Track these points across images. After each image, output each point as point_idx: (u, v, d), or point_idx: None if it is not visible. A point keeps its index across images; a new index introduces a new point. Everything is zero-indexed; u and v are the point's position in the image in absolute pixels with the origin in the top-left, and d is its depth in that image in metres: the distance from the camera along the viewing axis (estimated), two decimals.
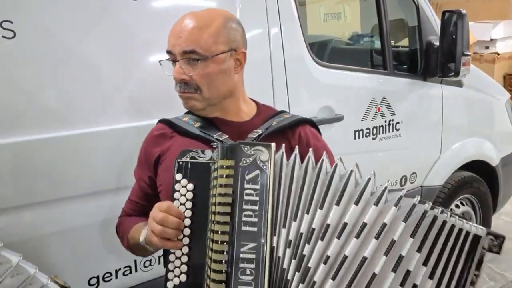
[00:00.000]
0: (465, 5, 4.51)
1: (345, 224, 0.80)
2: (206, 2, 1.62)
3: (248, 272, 0.80)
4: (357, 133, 2.05)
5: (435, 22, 2.31)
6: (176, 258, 0.87)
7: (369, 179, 0.82)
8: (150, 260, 1.57)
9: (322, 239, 0.80)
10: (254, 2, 1.69)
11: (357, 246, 0.79)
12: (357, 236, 0.79)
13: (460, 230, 0.79)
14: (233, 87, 1.07)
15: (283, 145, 0.88)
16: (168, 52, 1.03)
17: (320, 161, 0.85)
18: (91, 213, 1.43)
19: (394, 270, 0.77)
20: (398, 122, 2.19)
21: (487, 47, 5.29)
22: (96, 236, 1.46)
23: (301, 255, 0.81)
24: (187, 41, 0.98)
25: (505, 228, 3.33)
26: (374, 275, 0.78)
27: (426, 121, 2.35)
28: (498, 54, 5.26)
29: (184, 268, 0.87)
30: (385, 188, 0.81)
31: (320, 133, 1.14)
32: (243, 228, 0.81)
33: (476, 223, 2.72)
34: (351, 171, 0.83)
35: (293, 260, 0.81)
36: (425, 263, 0.78)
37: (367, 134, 2.09)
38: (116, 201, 1.44)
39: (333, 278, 0.79)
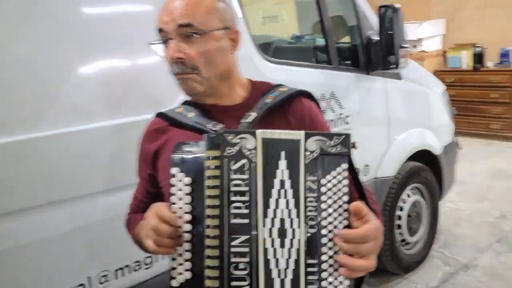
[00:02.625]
0: None
1: (279, 191, 0.81)
2: (142, 6, 1.54)
3: (241, 266, 0.77)
4: None
5: (372, 17, 2.38)
6: (179, 255, 0.82)
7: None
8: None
9: (275, 216, 0.79)
10: None
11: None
12: (280, 196, 0.80)
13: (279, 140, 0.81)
14: (231, 67, 1.03)
15: (269, 130, 0.83)
16: (159, 30, 0.97)
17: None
18: (66, 221, 1.35)
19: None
20: (347, 116, 2.21)
21: (415, 46, 5.58)
22: (75, 243, 1.38)
23: (271, 240, 0.79)
24: (182, 15, 0.94)
25: (450, 214, 3.48)
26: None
27: (373, 113, 2.40)
28: (426, 52, 5.57)
29: (188, 265, 0.81)
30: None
31: (318, 105, 1.09)
32: (233, 221, 0.78)
33: (427, 210, 2.82)
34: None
35: (270, 248, 0.79)
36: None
37: None
38: (93, 207, 1.40)
39: (281, 245, 0.79)
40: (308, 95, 1.07)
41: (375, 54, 2.31)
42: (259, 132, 0.80)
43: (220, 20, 0.98)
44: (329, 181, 0.79)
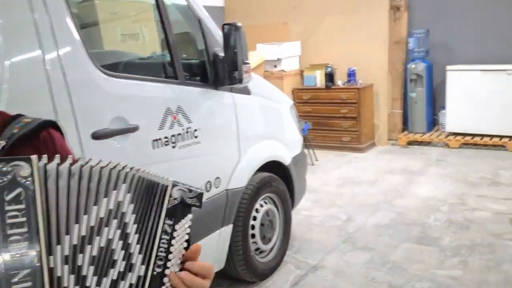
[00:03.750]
0: (252, 29, 5.01)
1: (102, 219, 0.80)
2: None
3: None
4: (155, 142, 2.03)
5: (218, 34, 2.48)
6: None
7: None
8: None
9: (89, 243, 0.78)
10: (19, 27, 1.59)
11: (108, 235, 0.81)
12: (106, 225, 0.80)
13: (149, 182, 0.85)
14: None
15: (45, 155, 0.79)
16: None
17: (79, 165, 0.80)
18: None
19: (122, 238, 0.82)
20: (196, 130, 2.26)
21: (275, 66, 5.96)
22: None
23: (77, 267, 0.77)
24: None
25: (305, 221, 3.73)
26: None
27: (223, 127, 2.49)
28: (285, 72, 5.97)
29: None
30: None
31: (63, 135, 1.06)
32: (11, 255, 0.72)
33: (279, 218, 2.98)
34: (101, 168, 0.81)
35: (71, 276, 0.76)
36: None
37: (166, 143, 2.09)
38: None
39: (100, 274, 0.79)
40: (54, 125, 1.04)
41: (222, 70, 2.40)
42: (34, 157, 0.77)
43: None
44: (180, 227, 0.86)
